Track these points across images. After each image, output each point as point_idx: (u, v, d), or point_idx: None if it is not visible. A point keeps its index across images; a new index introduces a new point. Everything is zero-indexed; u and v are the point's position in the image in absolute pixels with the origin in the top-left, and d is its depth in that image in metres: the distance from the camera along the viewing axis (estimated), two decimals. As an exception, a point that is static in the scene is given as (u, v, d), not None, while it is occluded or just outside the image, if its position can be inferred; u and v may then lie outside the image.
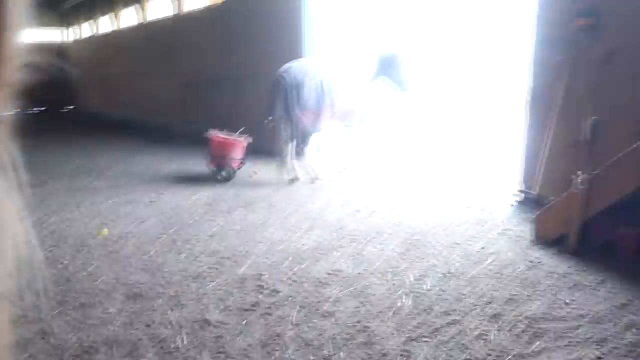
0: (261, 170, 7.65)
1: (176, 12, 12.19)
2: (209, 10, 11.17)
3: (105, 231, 4.82)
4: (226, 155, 7.04)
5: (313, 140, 8.49)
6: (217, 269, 3.85)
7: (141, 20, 14.44)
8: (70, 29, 21.97)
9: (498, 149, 9.19)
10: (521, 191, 5.23)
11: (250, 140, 7.27)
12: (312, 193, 6.19)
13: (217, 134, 7.23)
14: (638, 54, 4.14)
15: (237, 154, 7.14)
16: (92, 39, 19.03)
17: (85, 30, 20.27)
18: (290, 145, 6.77)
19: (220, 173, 7.02)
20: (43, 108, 20.55)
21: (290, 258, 4.03)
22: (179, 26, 12.15)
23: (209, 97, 11.01)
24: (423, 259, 3.95)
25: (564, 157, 4.64)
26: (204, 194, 6.27)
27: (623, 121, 4.22)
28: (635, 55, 4.16)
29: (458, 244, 4.25)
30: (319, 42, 8.44)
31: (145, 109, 14.65)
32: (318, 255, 4.08)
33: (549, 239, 4.14)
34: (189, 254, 4.18)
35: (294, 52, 8.14)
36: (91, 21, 18.81)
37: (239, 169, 7.21)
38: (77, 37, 21.03)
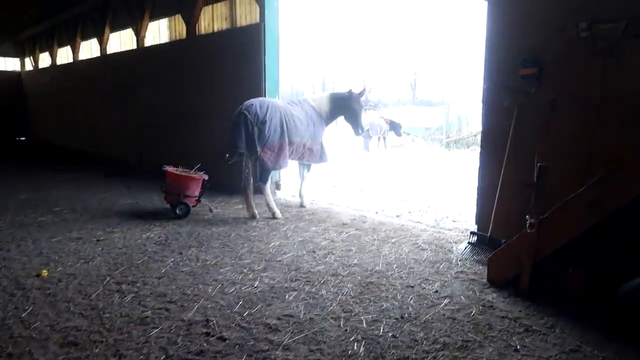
0: (218, 207, 7.49)
1: (137, 46, 12.09)
2: (170, 45, 11.14)
3: (45, 272, 4.53)
4: (182, 192, 6.86)
5: (272, 178, 8.47)
6: (162, 313, 3.65)
7: (100, 54, 14.24)
8: (27, 59, 21.42)
9: (454, 188, 9.37)
10: (475, 232, 5.29)
11: (206, 177, 7.14)
12: (269, 232, 6.07)
13: (172, 170, 7.07)
14: (579, 102, 4.33)
15: (194, 190, 6.98)
16: (49, 70, 18.59)
17: (43, 60, 19.83)
18: (251, 182, 6.69)
19: (175, 210, 6.81)
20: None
21: (241, 301, 3.87)
22: (140, 60, 12.03)
23: (167, 132, 10.83)
24: (377, 302, 3.88)
25: (516, 199, 4.75)
26: (156, 232, 6.05)
27: (569, 164, 4.38)
28: (576, 102, 4.35)
29: (412, 286, 4.21)
30: (280, 79, 8.51)
31: (102, 142, 14.28)
32: (270, 298, 3.95)
33: (502, 281, 4.17)
34: (133, 298, 3.96)
35: (254, 89, 8.16)
36: (49, 52, 18.41)
37: (194, 206, 7.04)
38: (34, 67, 20.51)
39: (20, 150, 17.24)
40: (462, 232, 6.06)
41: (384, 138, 17.44)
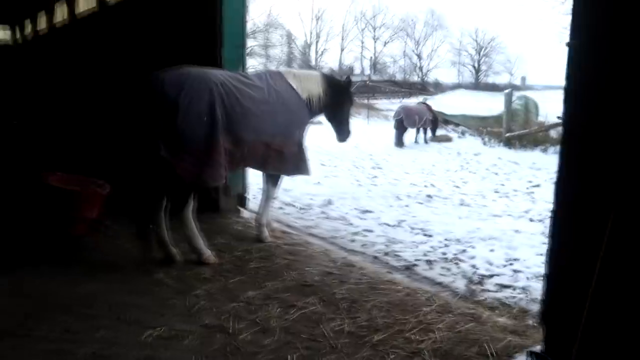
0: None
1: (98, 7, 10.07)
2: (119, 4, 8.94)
3: None
4: (69, 213, 4.67)
5: (231, 189, 6.25)
6: None
7: (69, 17, 12.38)
8: (17, 27, 20.10)
9: (512, 215, 6.66)
10: (538, 354, 2.73)
11: (107, 189, 4.93)
12: (167, 299, 3.77)
13: (57, 176, 4.93)
14: None
15: (85, 211, 4.76)
16: (33, 39, 17.07)
17: (28, 28, 18.36)
18: (158, 206, 4.41)
19: (55, 242, 4.63)
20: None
21: None
22: (101, 23, 10.00)
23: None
24: None
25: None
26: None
27: None
28: None
29: None
30: (246, 43, 6.16)
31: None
32: None
33: None
34: None
35: (204, 59, 5.83)
36: (30, 18, 16.88)
37: (86, 236, 4.84)
38: (21, 36, 19.14)
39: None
40: (515, 319, 3.55)
41: (424, 130, 14.69)
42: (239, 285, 4.03)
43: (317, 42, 68.41)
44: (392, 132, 14.10)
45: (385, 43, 69.92)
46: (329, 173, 9.75)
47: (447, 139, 15.09)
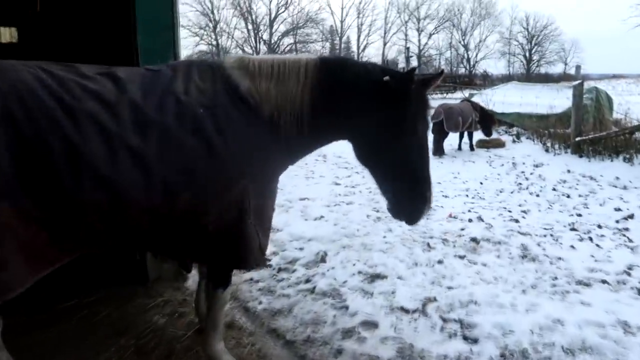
0: None
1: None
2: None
3: None
4: None
5: (117, 264, 4.22)
6: None
7: None
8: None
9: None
10: None
11: None
12: None
13: None
14: None
15: None
16: None
17: None
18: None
19: None
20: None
21: None
22: None
23: None
24: None
25: None
26: None
27: None
28: None
29: None
30: (178, 23, 4.07)
31: None
32: None
33: None
34: None
35: (110, 51, 3.81)
36: None
37: None
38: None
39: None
40: None
41: (470, 134, 12.22)
42: None
43: (358, 36, 66.89)
44: (430, 138, 11.77)
45: (430, 35, 67.45)
46: (341, 198, 7.56)
47: (499, 144, 12.57)
